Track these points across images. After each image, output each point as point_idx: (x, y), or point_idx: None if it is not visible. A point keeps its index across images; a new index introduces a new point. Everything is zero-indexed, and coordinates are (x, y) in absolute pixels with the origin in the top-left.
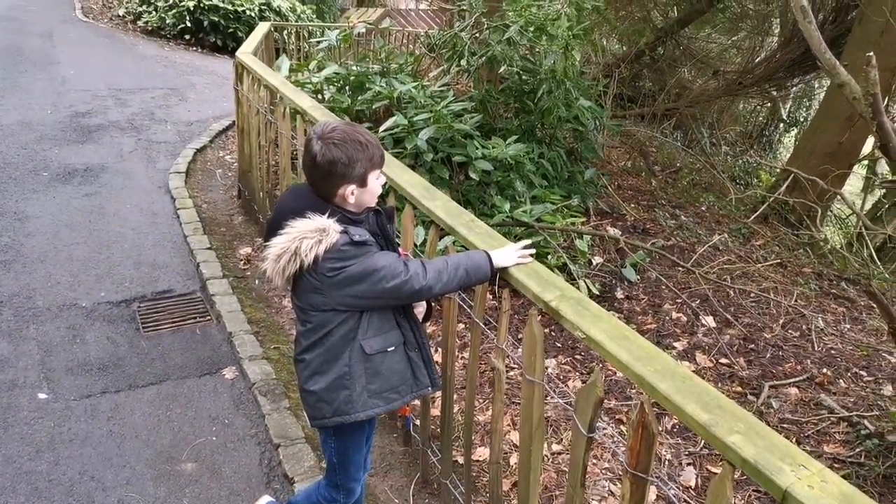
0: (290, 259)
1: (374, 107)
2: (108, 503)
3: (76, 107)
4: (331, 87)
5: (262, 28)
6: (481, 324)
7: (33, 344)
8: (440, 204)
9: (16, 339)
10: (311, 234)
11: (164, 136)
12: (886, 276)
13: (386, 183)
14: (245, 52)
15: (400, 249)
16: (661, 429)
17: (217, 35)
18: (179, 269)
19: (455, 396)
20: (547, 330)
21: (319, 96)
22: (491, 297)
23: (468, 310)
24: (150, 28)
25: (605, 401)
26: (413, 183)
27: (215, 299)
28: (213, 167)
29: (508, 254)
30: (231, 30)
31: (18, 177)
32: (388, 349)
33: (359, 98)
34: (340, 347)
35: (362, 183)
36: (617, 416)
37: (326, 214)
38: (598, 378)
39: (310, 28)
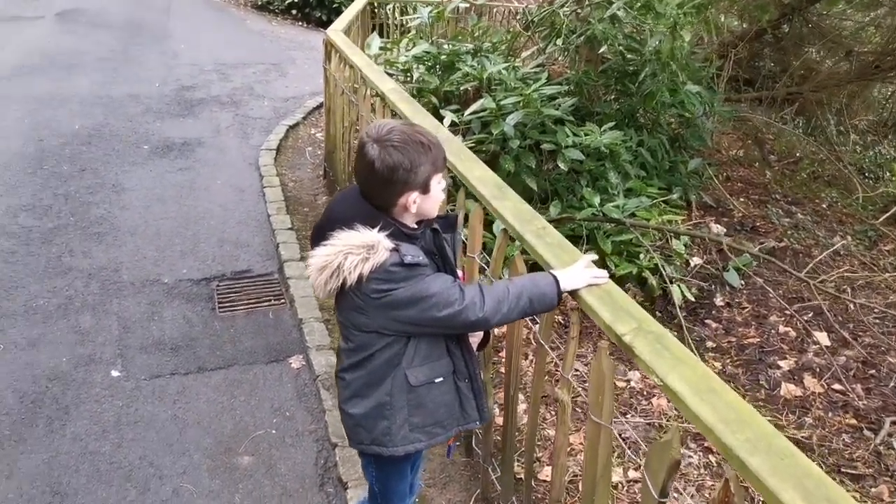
0: (333, 274)
1: (462, 88)
2: (164, 492)
3: (182, 80)
4: (420, 66)
5: (357, 3)
6: (546, 346)
7: (114, 319)
8: (510, 205)
9: (99, 312)
10: (356, 250)
11: (260, 111)
12: None
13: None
14: (336, 28)
15: (459, 272)
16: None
17: (322, 10)
18: (260, 248)
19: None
20: None
21: (408, 76)
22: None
23: (533, 325)
24: (260, 2)
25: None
26: (484, 179)
27: (290, 282)
28: (304, 144)
29: (578, 274)
30: (336, 4)
31: (121, 149)
32: (436, 380)
33: (448, 79)
34: (383, 373)
35: (425, 189)
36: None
37: (378, 227)
38: (676, 436)
39: (414, 2)
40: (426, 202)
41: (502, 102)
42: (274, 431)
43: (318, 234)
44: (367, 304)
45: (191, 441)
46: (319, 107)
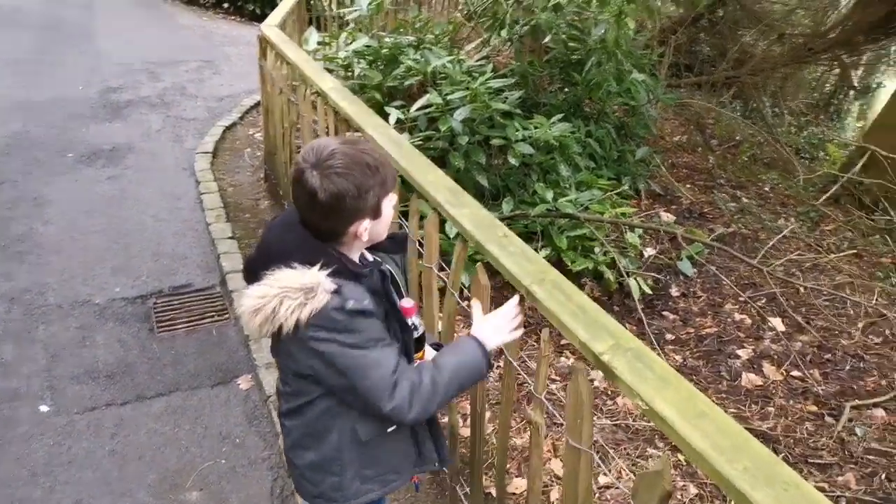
0: (267, 319)
1: (406, 83)
2: None
3: (108, 82)
4: (361, 61)
5: None
6: (515, 364)
7: (40, 347)
8: (468, 213)
9: (23, 341)
10: (294, 294)
11: (193, 112)
12: None
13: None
14: (270, 23)
15: (409, 301)
16: None
17: (255, 2)
18: (200, 260)
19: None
20: None
21: (349, 71)
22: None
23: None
24: None
25: None
26: (437, 185)
27: (234, 296)
28: (242, 146)
29: (500, 329)
30: None
31: (44, 158)
32: (389, 430)
33: (391, 74)
34: (325, 424)
35: (376, 214)
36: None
37: (319, 265)
38: (667, 467)
39: None
40: (377, 226)
41: (449, 97)
42: (224, 461)
43: (252, 270)
44: (302, 351)
45: (132, 479)
46: (256, 105)
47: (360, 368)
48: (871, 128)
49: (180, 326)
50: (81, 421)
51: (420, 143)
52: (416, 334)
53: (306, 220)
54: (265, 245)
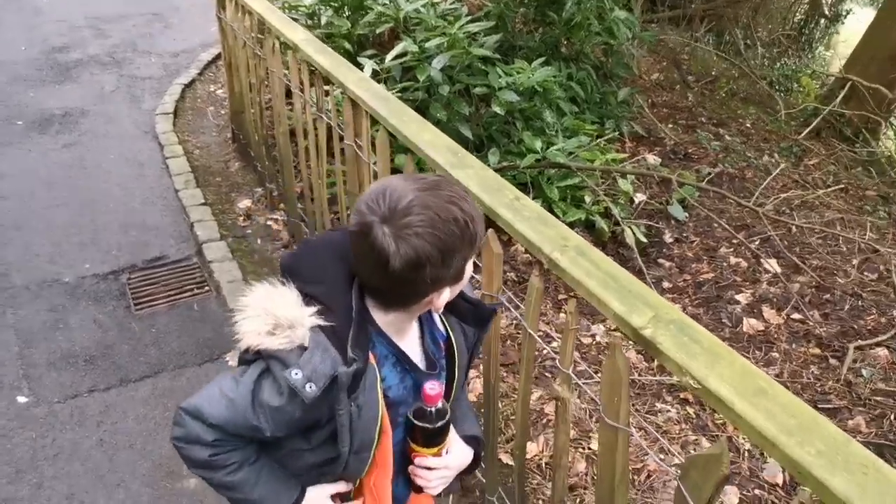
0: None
1: (377, 31)
2: None
3: (51, 41)
4: (327, 9)
5: None
6: (535, 335)
7: (11, 333)
8: (473, 174)
9: None
10: (267, 318)
11: (148, 70)
12: None
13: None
14: None
15: (430, 390)
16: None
17: None
18: (172, 230)
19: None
20: None
21: (314, 20)
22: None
23: (517, 314)
24: None
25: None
26: (436, 144)
27: (213, 266)
28: (205, 105)
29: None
30: None
31: None
32: None
33: (360, 21)
34: None
35: (457, 279)
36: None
37: (316, 308)
38: (725, 451)
39: None
40: (454, 290)
41: (425, 45)
42: None
43: (289, 269)
44: None
45: (125, 469)
46: (215, 60)
47: (217, 378)
48: (851, 58)
49: (159, 302)
50: (64, 410)
51: (398, 94)
52: (435, 424)
53: (368, 280)
54: (300, 252)
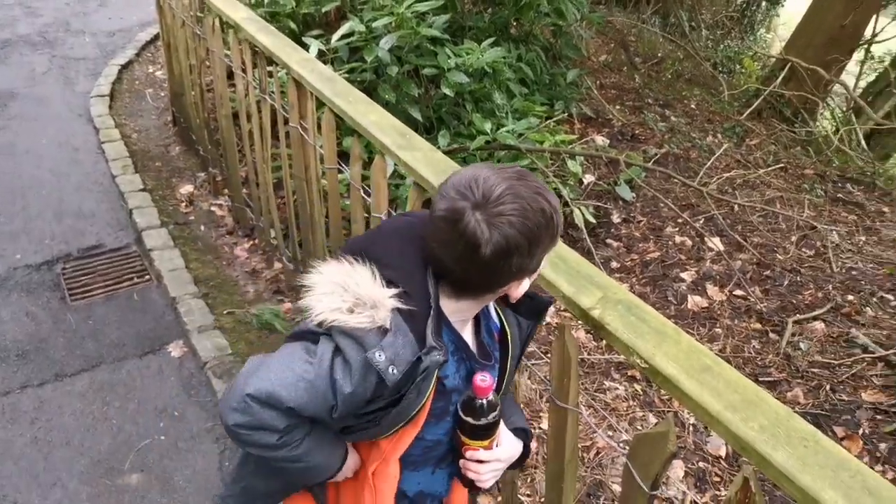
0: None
1: (323, 10)
2: None
3: None
4: None
5: None
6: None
7: None
8: (421, 156)
9: None
10: (347, 296)
11: (82, 50)
12: (893, 173)
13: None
14: None
15: (481, 382)
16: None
17: None
18: (109, 217)
19: None
20: None
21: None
22: None
23: None
24: None
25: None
26: (383, 126)
27: (154, 255)
28: (143, 87)
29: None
30: None
31: None
32: None
33: (305, 0)
34: None
35: (536, 269)
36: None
37: (397, 291)
38: (671, 429)
39: None
40: (531, 281)
41: (373, 25)
42: (163, 437)
43: (354, 248)
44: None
45: (61, 467)
46: (154, 40)
47: (281, 357)
48: (790, 41)
49: (96, 293)
50: None
51: (345, 75)
52: (486, 420)
53: (448, 267)
54: (371, 235)
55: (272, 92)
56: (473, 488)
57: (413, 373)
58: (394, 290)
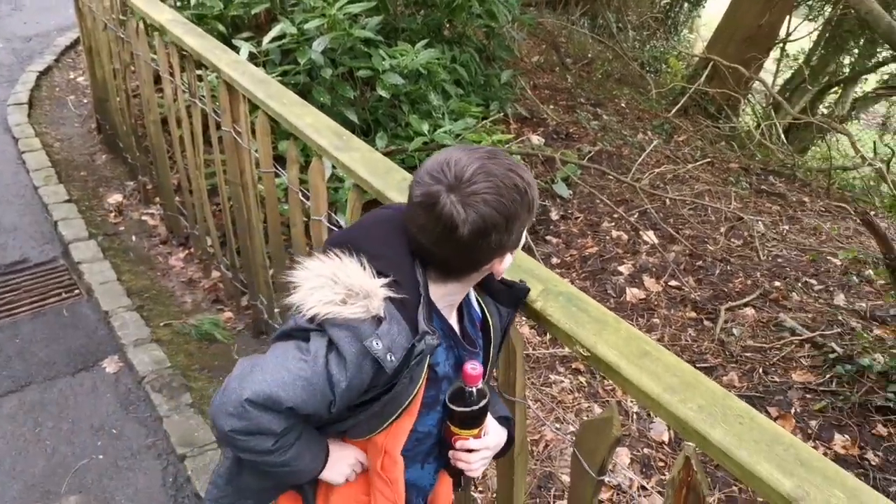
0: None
1: (253, 12)
2: None
3: None
4: None
5: None
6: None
7: None
8: (360, 157)
9: None
10: (338, 288)
11: None
12: (811, 164)
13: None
14: None
15: (471, 370)
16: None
17: None
18: (33, 230)
19: None
20: None
21: (183, 1)
22: None
23: None
24: None
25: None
26: (319, 127)
27: (83, 268)
28: (64, 93)
29: (344, 469)
30: None
31: None
32: None
33: (234, 1)
34: None
35: (517, 244)
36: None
37: (387, 280)
38: (614, 415)
39: None
40: (513, 257)
41: (304, 27)
42: (101, 457)
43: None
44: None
45: None
46: (75, 45)
47: (274, 357)
48: (711, 40)
49: (22, 310)
50: None
51: (277, 78)
52: (477, 408)
53: (430, 251)
54: (355, 228)
55: (202, 96)
56: (462, 478)
57: (407, 359)
58: (384, 280)
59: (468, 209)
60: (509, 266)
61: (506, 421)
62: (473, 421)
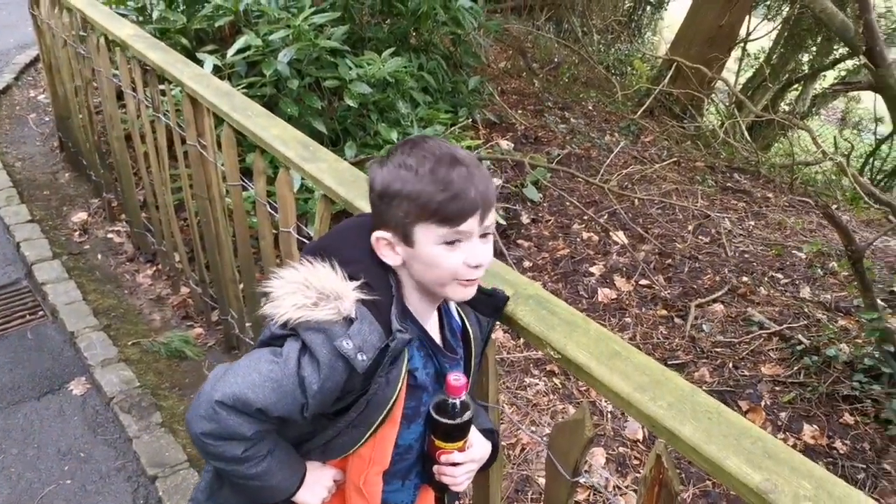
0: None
1: (217, 25)
2: None
3: None
4: (159, 2)
5: None
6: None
7: None
8: (327, 167)
9: None
10: (309, 292)
11: None
12: (774, 161)
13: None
14: None
15: (454, 381)
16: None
17: None
18: None
19: None
20: None
21: (145, 15)
22: None
23: None
24: None
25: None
26: (285, 139)
27: (47, 289)
28: (24, 112)
29: (320, 490)
30: None
31: None
32: None
33: (197, 15)
34: None
35: (406, 238)
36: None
37: (359, 283)
38: (586, 414)
39: None
40: (415, 262)
41: (269, 38)
42: (69, 482)
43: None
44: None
45: None
46: (35, 62)
47: (247, 361)
48: (674, 42)
49: None
50: None
51: (243, 91)
52: (461, 420)
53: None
54: (327, 235)
55: (167, 110)
56: (447, 494)
57: (381, 358)
58: (356, 283)
59: (378, 168)
60: (397, 261)
61: (490, 433)
62: (458, 433)
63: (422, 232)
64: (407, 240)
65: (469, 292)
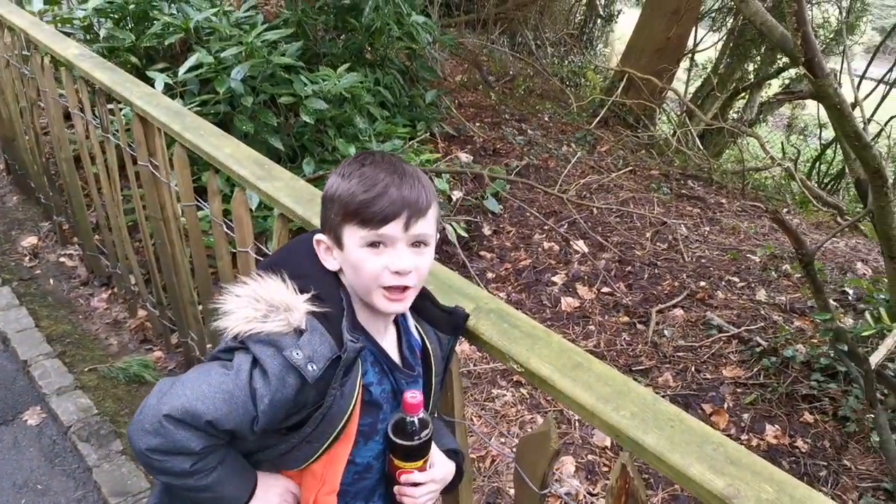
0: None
1: (167, 42)
2: None
3: None
4: (106, 20)
5: None
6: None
7: None
8: (283, 185)
9: None
10: (258, 305)
11: None
12: (726, 167)
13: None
14: None
15: (411, 398)
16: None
17: None
18: None
19: None
20: None
21: (92, 33)
22: None
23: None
24: None
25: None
26: (239, 158)
27: None
28: None
29: (271, 498)
30: None
31: None
32: None
33: (146, 32)
34: None
35: (338, 240)
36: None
37: (309, 295)
38: (552, 428)
39: None
40: (347, 265)
41: (222, 55)
42: None
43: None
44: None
45: None
46: None
47: (196, 373)
48: (625, 53)
49: None
50: None
51: (196, 109)
52: (419, 439)
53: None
54: (280, 251)
55: (116, 130)
56: None
57: (333, 371)
58: (307, 295)
59: (330, 177)
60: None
61: (454, 454)
62: (417, 452)
63: (348, 233)
64: (339, 242)
65: (396, 307)
